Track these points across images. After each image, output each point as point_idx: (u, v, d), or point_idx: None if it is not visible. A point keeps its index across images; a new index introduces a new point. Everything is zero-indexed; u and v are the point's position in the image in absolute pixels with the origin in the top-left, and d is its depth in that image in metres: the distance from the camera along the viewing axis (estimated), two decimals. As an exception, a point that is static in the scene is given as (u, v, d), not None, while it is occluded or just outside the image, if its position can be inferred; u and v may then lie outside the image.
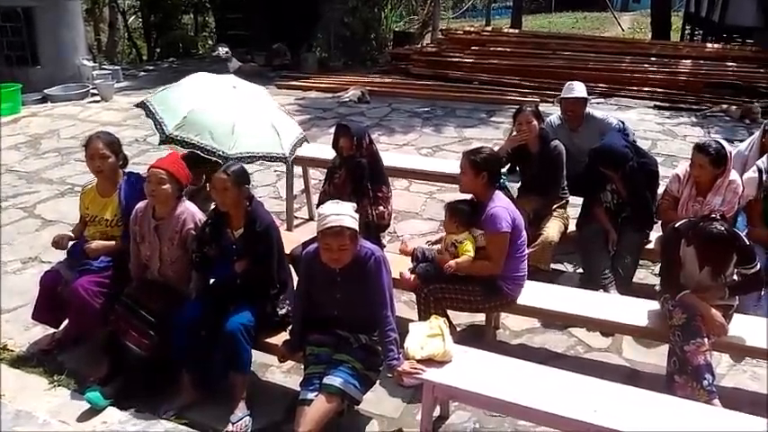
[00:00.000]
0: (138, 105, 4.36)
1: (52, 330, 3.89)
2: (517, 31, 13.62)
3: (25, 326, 4.01)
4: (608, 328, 3.75)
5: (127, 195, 3.76)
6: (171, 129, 4.02)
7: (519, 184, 4.72)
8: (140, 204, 3.61)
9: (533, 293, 3.68)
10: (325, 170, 4.46)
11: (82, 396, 3.29)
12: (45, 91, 9.59)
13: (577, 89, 4.70)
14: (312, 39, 12.83)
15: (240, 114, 4.15)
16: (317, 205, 4.41)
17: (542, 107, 5.66)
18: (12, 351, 3.83)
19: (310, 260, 3.17)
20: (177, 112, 4.06)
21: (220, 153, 3.95)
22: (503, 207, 3.45)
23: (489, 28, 14.21)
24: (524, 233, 3.58)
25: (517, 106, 4.59)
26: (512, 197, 3.73)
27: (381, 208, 4.13)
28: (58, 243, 3.84)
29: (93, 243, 3.72)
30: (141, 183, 3.83)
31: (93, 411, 3.24)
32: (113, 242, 3.74)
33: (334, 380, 2.96)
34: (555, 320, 3.91)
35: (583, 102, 4.73)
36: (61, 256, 3.91)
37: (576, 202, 4.60)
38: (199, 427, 3.18)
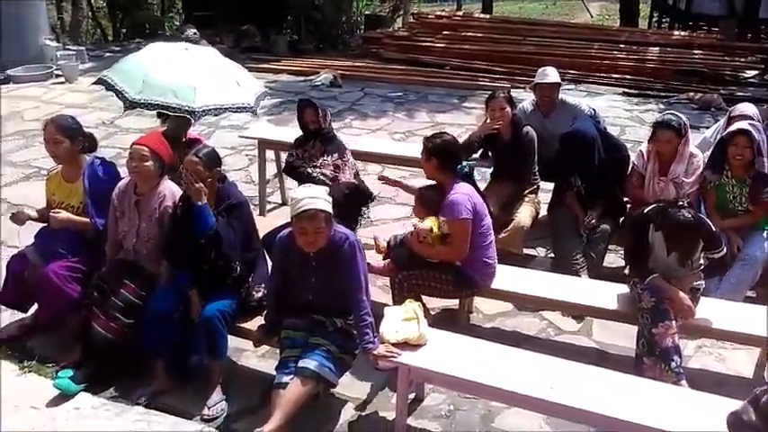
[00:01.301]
0: (96, 82, 4.30)
1: (20, 315, 3.82)
2: (488, 16, 13.66)
3: (-8, 312, 3.92)
4: (578, 311, 3.83)
5: (91, 180, 3.68)
6: (133, 95, 3.99)
7: (491, 170, 4.77)
8: (123, 181, 3.60)
9: (506, 277, 3.74)
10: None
11: (53, 382, 3.24)
12: (7, 72, 9.29)
13: (551, 74, 4.75)
14: (282, 21, 12.65)
15: (198, 71, 4.16)
16: (284, 168, 4.60)
17: (513, 93, 5.71)
18: (-22, 337, 3.75)
19: (284, 244, 3.16)
20: (135, 79, 4.05)
21: (186, 108, 3.94)
22: (462, 194, 3.47)
23: (460, 13, 14.20)
24: (487, 219, 3.61)
25: (489, 92, 4.62)
26: (476, 185, 3.76)
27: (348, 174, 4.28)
28: (15, 217, 3.75)
29: (61, 212, 3.63)
30: (107, 168, 3.78)
31: (65, 396, 3.20)
32: (83, 218, 3.65)
33: (310, 363, 2.97)
34: (527, 304, 3.97)
35: (557, 87, 4.80)
36: (29, 241, 3.82)
37: (547, 188, 4.66)
38: (174, 412, 3.17)
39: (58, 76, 9.50)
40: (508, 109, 4.36)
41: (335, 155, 4.28)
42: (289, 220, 3.34)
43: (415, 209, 3.77)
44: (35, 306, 3.75)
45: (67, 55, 9.99)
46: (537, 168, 4.52)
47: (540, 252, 4.72)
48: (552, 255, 4.52)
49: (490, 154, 4.68)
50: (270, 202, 5.68)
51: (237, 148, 6.72)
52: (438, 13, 13.40)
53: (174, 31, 14.94)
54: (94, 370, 3.33)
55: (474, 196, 3.54)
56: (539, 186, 4.59)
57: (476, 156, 4.67)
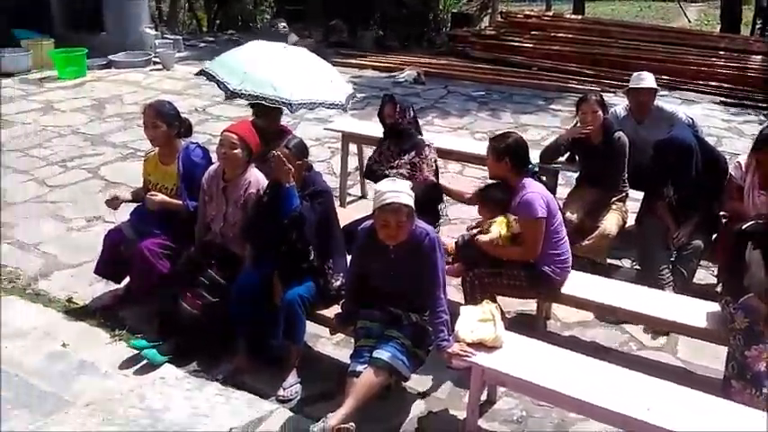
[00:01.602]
0: (198, 74, 4.49)
1: (114, 286, 4.05)
2: (579, 17, 13.27)
3: (89, 281, 4.18)
4: (664, 327, 3.67)
5: (185, 164, 3.86)
6: (235, 85, 4.13)
7: (577, 174, 4.65)
8: (212, 166, 3.75)
9: (587, 286, 3.64)
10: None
11: (140, 351, 3.41)
12: (109, 57, 9.85)
13: (647, 79, 4.57)
14: (370, 17, 12.77)
15: (296, 67, 4.32)
16: (365, 170, 4.61)
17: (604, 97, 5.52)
18: (76, 304, 4.02)
19: (365, 236, 3.20)
20: (237, 72, 4.20)
21: (284, 100, 4.06)
22: (536, 192, 3.45)
23: (550, 13, 13.88)
24: (559, 215, 3.58)
25: (578, 95, 4.50)
26: (544, 183, 3.73)
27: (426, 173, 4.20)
28: (111, 202, 3.97)
29: (158, 195, 3.80)
30: (201, 152, 3.94)
31: (151, 366, 3.38)
32: (177, 201, 3.82)
33: (384, 354, 2.99)
34: (608, 315, 3.84)
35: (653, 93, 4.61)
36: (125, 216, 4.04)
37: (636, 197, 4.49)
38: (250, 390, 3.27)
39: (155, 63, 9.99)
40: (600, 112, 4.23)
41: (412, 153, 4.24)
42: (368, 212, 3.39)
43: (478, 209, 3.74)
44: (127, 279, 3.97)
45: (165, 43, 10.50)
46: (626, 175, 4.36)
47: (626, 263, 4.55)
48: (637, 267, 4.36)
49: (577, 158, 4.55)
50: (350, 195, 5.76)
51: (321, 140, 6.85)
52: (527, 12, 13.13)
53: (265, 24, 15.41)
54: (179, 344, 3.49)
55: (545, 193, 3.53)
56: (627, 194, 4.43)
57: (562, 159, 4.56)
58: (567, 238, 3.63)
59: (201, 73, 4.36)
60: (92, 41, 9.81)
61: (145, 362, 3.38)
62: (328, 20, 12.25)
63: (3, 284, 4.18)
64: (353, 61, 10.62)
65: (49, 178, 5.85)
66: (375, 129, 5.44)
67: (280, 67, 4.22)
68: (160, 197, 3.81)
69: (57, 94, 8.40)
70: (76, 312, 3.91)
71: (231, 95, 4.11)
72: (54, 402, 3.02)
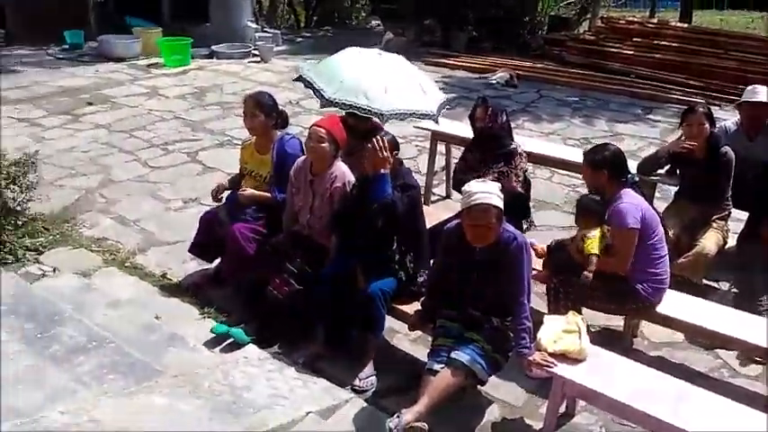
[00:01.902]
0: (296, 79, 4.62)
1: (206, 266, 4.24)
2: (686, 25, 12.62)
3: (183, 259, 4.39)
4: (760, 355, 3.45)
5: (279, 154, 3.97)
6: (330, 94, 4.20)
7: (677, 189, 4.44)
8: (300, 159, 3.84)
9: (679, 305, 3.47)
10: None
11: (227, 329, 3.55)
12: (212, 47, 10.28)
13: (762, 93, 4.31)
14: (464, 17, 12.68)
15: (390, 76, 4.32)
16: (453, 180, 4.51)
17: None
18: (170, 280, 4.23)
19: (451, 236, 3.19)
20: (333, 80, 4.27)
21: (376, 111, 4.09)
22: (630, 203, 3.33)
23: (654, 20, 13.28)
24: (660, 231, 3.42)
25: (680, 106, 4.29)
26: (643, 194, 3.57)
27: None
28: (215, 196, 4.16)
29: (247, 190, 3.98)
30: (296, 144, 4.04)
31: (236, 345, 3.51)
32: (266, 194, 3.97)
33: (462, 356, 2.97)
34: (700, 338, 3.66)
35: (767, 108, 4.33)
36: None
37: (739, 216, 4.24)
38: (328, 377, 3.34)
39: (254, 55, 10.34)
40: (707, 125, 4.03)
41: (501, 162, 4.07)
42: (452, 212, 3.37)
43: (575, 218, 3.64)
44: (218, 260, 4.14)
45: (265, 37, 10.84)
46: (731, 193, 4.12)
47: (723, 286, 4.30)
48: (735, 290, 4.11)
49: (678, 171, 4.34)
50: (434, 194, 5.75)
51: (408, 138, 6.86)
52: (629, 18, 12.63)
53: (360, 22, 15.64)
54: (263, 326, 3.60)
55: (644, 206, 3.39)
56: (730, 213, 4.19)
57: (661, 171, 4.37)
58: (667, 256, 3.46)
59: (299, 79, 4.48)
60: (196, 32, 10.27)
61: (230, 340, 3.52)
62: (422, 19, 12.27)
63: (104, 256, 4.45)
64: (445, 61, 10.58)
65: (151, 159, 6.18)
66: (464, 129, 5.41)
67: (374, 77, 4.25)
68: (249, 192, 3.96)
69: (162, 80, 8.86)
70: (169, 288, 4.12)
71: (326, 104, 4.18)
72: (145, 371, 3.18)
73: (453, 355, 2.99)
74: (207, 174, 5.88)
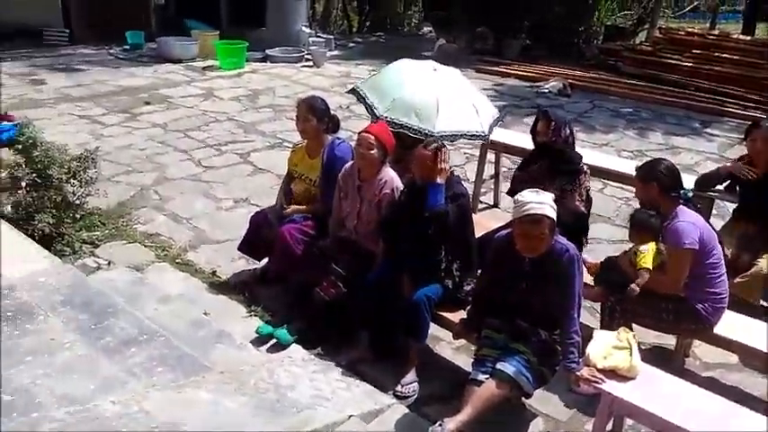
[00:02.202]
0: (349, 92, 4.66)
1: (254, 265, 4.31)
2: (748, 38, 12.21)
3: (232, 258, 4.47)
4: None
5: (329, 158, 4.00)
6: (381, 111, 4.24)
7: (735, 206, 4.29)
8: (349, 164, 3.85)
9: (735, 326, 3.35)
10: (517, 158, 4.40)
11: (272, 331, 3.60)
12: (266, 51, 10.48)
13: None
14: (518, 26, 12.58)
15: (442, 95, 4.30)
16: (510, 188, 4.34)
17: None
18: (219, 278, 4.31)
19: (501, 245, 3.15)
20: (386, 97, 4.31)
21: (426, 132, 4.08)
22: (689, 222, 3.23)
23: (715, 31, 12.89)
24: (718, 250, 3.31)
25: (739, 120, 4.15)
26: (699, 211, 3.47)
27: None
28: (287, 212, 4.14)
29: (289, 208, 4.06)
30: (346, 149, 4.06)
31: (280, 345, 3.55)
32: (305, 207, 4.04)
33: (508, 367, 2.94)
34: (755, 361, 3.50)
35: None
36: (270, 201, 4.28)
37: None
38: (370, 382, 3.34)
39: (307, 59, 10.50)
40: (772, 142, 3.88)
41: (565, 179, 3.90)
42: (499, 221, 3.31)
43: (629, 233, 3.55)
44: (266, 259, 4.20)
45: (318, 42, 10.99)
46: (794, 213, 3.96)
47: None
48: (795, 312, 3.94)
49: (737, 188, 4.19)
50: (481, 202, 5.71)
51: (456, 146, 6.82)
52: (689, 29, 12.30)
53: (413, 28, 15.69)
54: (307, 327, 3.63)
55: (701, 224, 3.28)
56: (792, 232, 4.01)
57: (720, 187, 4.23)
58: (725, 275, 3.35)
59: (352, 92, 4.52)
60: (253, 36, 10.50)
61: (275, 340, 3.56)
62: (475, 26, 12.21)
63: (157, 252, 4.58)
64: (496, 69, 10.52)
65: (205, 159, 6.33)
66: (514, 137, 5.37)
67: (427, 95, 4.25)
68: (291, 208, 4.03)
69: (217, 82, 9.08)
70: (218, 285, 4.20)
71: (377, 120, 4.19)
72: (193, 365, 3.23)
73: (499, 366, 2.96)
74: (258, 175, 5.99)
